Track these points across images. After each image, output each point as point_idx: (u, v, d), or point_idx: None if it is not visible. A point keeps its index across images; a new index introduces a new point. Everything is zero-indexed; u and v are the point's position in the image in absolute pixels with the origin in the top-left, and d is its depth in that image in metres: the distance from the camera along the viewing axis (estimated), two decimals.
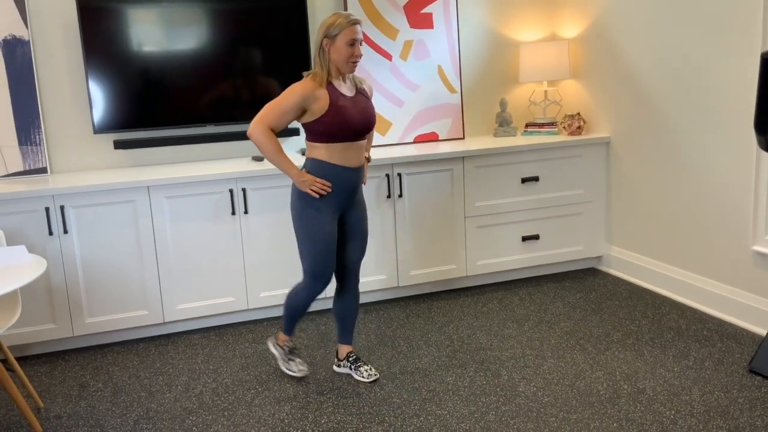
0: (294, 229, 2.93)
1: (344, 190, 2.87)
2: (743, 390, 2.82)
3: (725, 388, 2.85)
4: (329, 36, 2.73)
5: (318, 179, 2.80)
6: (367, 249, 3.92)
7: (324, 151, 2.80)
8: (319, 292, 2.96)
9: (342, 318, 3.12)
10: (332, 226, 2.88)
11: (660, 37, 3.81)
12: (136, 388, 3.14)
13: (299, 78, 4.07)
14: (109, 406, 2.98)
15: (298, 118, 2.79)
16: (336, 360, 3.20)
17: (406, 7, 4.33)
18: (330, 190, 2.82)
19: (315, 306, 4.01)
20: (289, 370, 3.15)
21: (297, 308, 3.03)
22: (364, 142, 2.89)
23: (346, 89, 2.83)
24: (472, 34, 4.58)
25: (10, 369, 2.97)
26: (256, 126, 2.73)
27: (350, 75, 2.88)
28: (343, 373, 3.17)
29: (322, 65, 2.77)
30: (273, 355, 3.31)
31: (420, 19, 4.37)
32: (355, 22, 2.73)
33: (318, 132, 2.77)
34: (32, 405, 3.02)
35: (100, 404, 3.00)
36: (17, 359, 3.53)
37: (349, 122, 2.76)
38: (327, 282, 2.94)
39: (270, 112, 2.73)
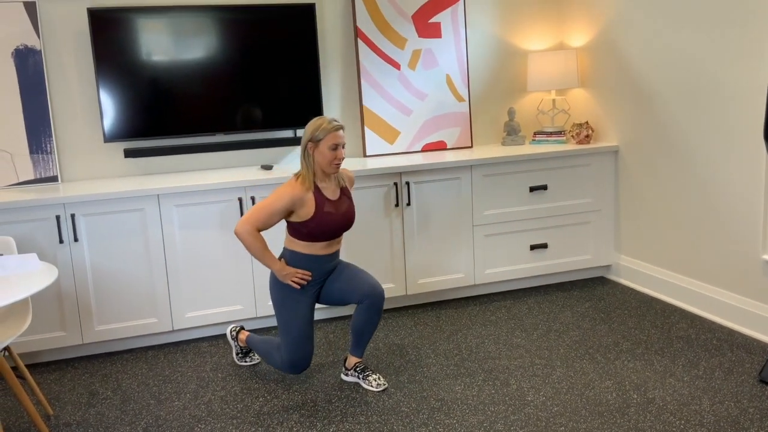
0: (274, 309, 3.09)
1: (322, 275, 3.09)
2: (753, 400, 2.81)
3: (735, 398, 2.84)
4: (314, 140, 2.90)
5: (299, 271, 3.00)
6: (375, 257, 3.93)
7: (304, 247, 3.00)
8: (289, 369, 3.08)
9: (359, 333, 3.10)
10: (309, 312, 3.06)
11: (668, 46, 3.81)
12: (145, 395, 3.15)
13: (306, 87, 4.10)
14: (118, 413, 2.99)
15: (284, 218, 2.97)
16: (343, 368, 3.20)
17: (414, 17, 4.35)
18: (310, 279, 3.03)
19: (322, 315, 4.01)
20: (243, 362, 3.41)
21: (265, 355, 3.19)
22: (342, 236, 3.15)
23: (331, 192, 3.00)
24: (480, 43, 4.59)
25: (20, 376, 2.98)
26: (243, 227, 2.89)
27: (334, 176, 3.04)
28: (351, 382, 3.17)
29: (308, 167, 2.94)
30: (235, 350, 3.44)
31: (428, 29, 4.39)
32: (338, 128, 2.90)
33: (301, 233, 2.96)
34: (42, 412, 3.03)
35: (109, 412, 3.01)
36: (27, 366, 3.54)
37: (331, 227, 2.97)
38: (300, 368, 3.08)
39: (258, 214, 2.89)
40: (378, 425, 2.77)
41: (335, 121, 2.91)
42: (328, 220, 2.95)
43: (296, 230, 2.97)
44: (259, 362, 3.44)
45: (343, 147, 2.93)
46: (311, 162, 2.94)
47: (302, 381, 3.20)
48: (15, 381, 2.65)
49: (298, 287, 3.00)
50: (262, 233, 3.65)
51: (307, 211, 2.92)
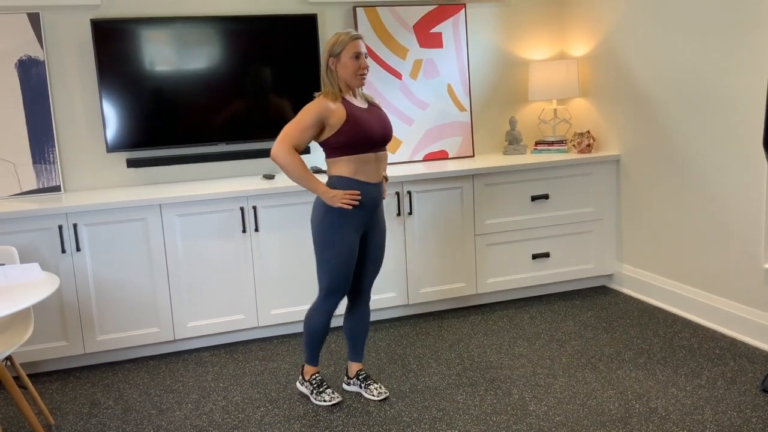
0: (315, 244, 2.89)
1: (368, 206, 2.87)
2: (756, 410, 2.79)
3: (738, 407, 2.82)
4: (334, 54, 2.79)
5: (347, 191, 2.79)
6: None
7: (346, 166, 2.81)
8: (333, 309, 2.96)
9: (353, 336, 3.12)
10: (355, 244, 2.88)
11: (669, 55, 3.82)
12: (146, 405, 3.14)
13: (310, 96, 4.11)
14: (120, 423, 2.98)
15: (317, 137, 2.81)
16: (345, 378, 3.20)
17: (415, 27, 4.37)
18: (360, 199, 2.82)
19: None
20: (323, 401, 3.04)
21: (316, 331, 3.00)
22: (383, 154, 2.90)
23: (359, 102, 2.86)
24: (482, 53, 4.61)
25: (21, 386, 2.98)
26: (280, 146, 2.73)
27: (360, 92, 2.92)
28: (353, 392, 3.17)
29: (331, 83, 2.82)
30: (303, 394, 3.15)
31: (429, 39, 4.41)
32: (357, 37, 2.79)
33: (339, 145, 2.78)
34: (43, 422, 3.03)
35: (110, 422, 3.00)
36: (29, 376, 3.54)
37: (368, 130, 2.78)
38: (340, 298, 2.94)
39: (290, 130, 2.74)
40: None
41: (353, 31, 2.81)
42: (362, 122, 2.78)
43: (333, 146, 2.79)
44: (341, 401, 3.06)
45: (366, 56, 2.81)
46: (335, 78, 2.81)
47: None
48: (16, 390, 2.65)
49: (350, 207, 2.78)
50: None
51: (338, 118, 2.75)
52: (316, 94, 2.85)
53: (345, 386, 3.19)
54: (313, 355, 3.09)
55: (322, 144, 2.84)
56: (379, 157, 2.88)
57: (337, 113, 2.76)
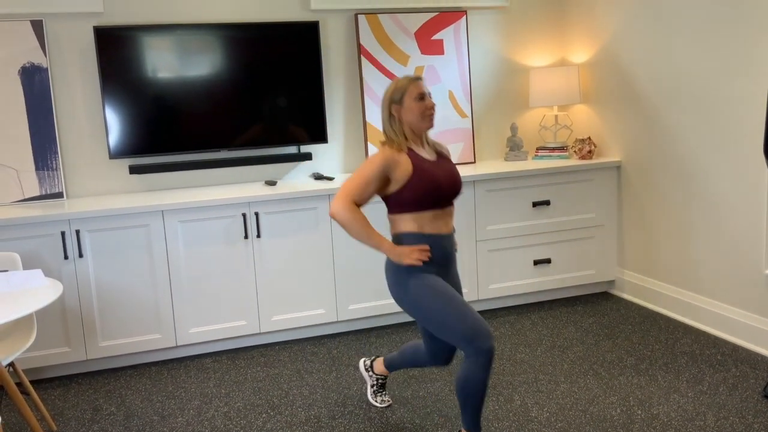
0: (414, 309, 2.53)
1: (439, 259, 2.58)
2: (758, 415, 2.79)
3: (740, 413, 2.82)
4: (395, 101, 2.57)
5: (416, 246, 2.51)
6: (378, 274, 3.93)
7: (412, 223, 2.53)
8: (488, 353, 2.41)
9: (464, 392, 2.51)
10: (445, 282, 2.56)
11: (670, 61, 3.83)
12: (148, 412, 3.15)
13: (310, 104, 4.12)
14: (122, 429, 2.99)
15: (381, 191, 2.57)
16: (368, 361, 3.12)
17: (417, 34, 4.39)
18: (430, 254, 2.53)
19: (324, 330, 4.01)
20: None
21: (477, 394, 2.45)
22: (452, 208, 2.63)
23: (427, 154, 2.61)
24: (483, 60, 4.62)
25: (24, 392, 2.98)
26: (340, 202, 2.47)
27: (429, 140, 2.68)
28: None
29: (396, 133, 2.58)
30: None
31: (431, 46, 4.42)
32: (417, 79, 2.59)
33: (405, 201, 2.52)
34: (46, 428, 3.03)
35: (112, 428, 3.01)
36: (32, 382, 3.55)
37: (436, 185, 2.52)
38: (488, 335, 2.42)
39: (352, 185, 2.49)
40: None
41: (410, 75, 2.60)
42: (430, 174, 2.52)
43: (398, 201, 2.53)
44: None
45: (430, 96, 2.59)
46: (399, 127, 2.57)
47: (305, 396, 3.20)
48: (19, 396, 2.65)
49: (420, 263, 2.49)
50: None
51: (404, 170, 2.50)
52: (381, 141, 2.63)
53: (361, 363, 3.13)
54: (473, 422, 2.52)
55: (385, 199, 2.58)
56: (448, 211, 2.60)
57: (403, 165, 2.51)
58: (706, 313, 3.75)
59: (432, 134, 4.47)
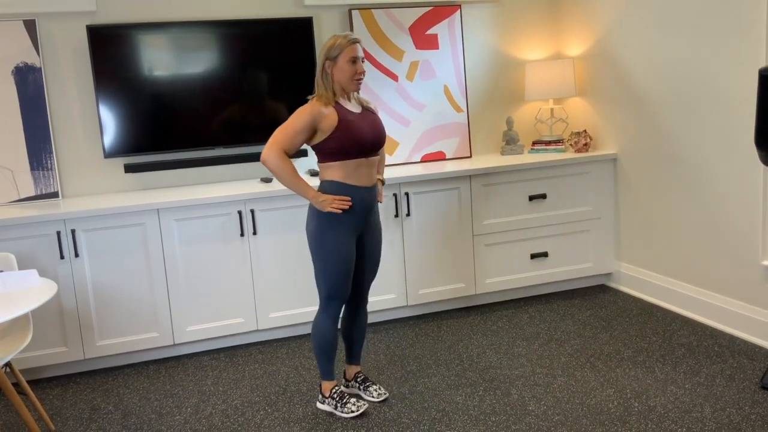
0: (311, 252, 2.87)
1: (361, 210, 2.85)
2: (755, 406, 2.80)
3: (737, 404, 2.83)
4: (331, 57, 2.76)
5: (337, 196, 2.77)
6: None
7: (337, 171, 2.79)
8: (338, 316, 2.92)
9: (350, 339, 3.12)
10: (351, 248, 2.85)
11: (665, 54, 3.82)
12: (146, 410, 3.15)
13: (305, 100, 4.11)
14: (120, 428, 2.99)
15: (308, 141, 2.79)
16: (344, 381, 3.20)
17: (411, 29, 4.38)
18: (350, 205, 2.79)
19: None
20: (350, 412, 2.94)
21: (326, 342, 2.93)
22: (376, 159, 2.88)
23: (352, 107, 2.84)
24: (478, 54, 4.61)
25: (21, 392, 2.98)
26: (270, 151, 2.71)
27: (355, 95, 2.90)
28: (352, 394, 3.17)
29: (326, 87, 2.79)
30: (326, 412, 3.00)
31: (425, 40, 4.41)
32: (355, 41, 2.77)
33: (330, 150, 2.76)
34: (44, 428, 3.03)
35: (110, 427, 3.01)
36: (29, 382, 3.55)
37: (359, 136, 2.76)
38: (342, 304, 2.91)
39: (281, 134, 2.72)
40: None
41: (351, 34, 2.78)
42: (354, 127, 2.75)
43: (324, 150, 2.77)
44: (367, 407, 2.98)
45: (363, 61, 2.79)
46: (330, 81, 2.78)
47: (303, 393, 3.20)
48: (16, 397, 2.65)
49: (339, 211, 2.76)
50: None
51: (330, 123, 2.73)
52: (310, 97, 2.83)
53: (343, 389, 3.19)
54: (327, 370, 2.99)
55: (313, 148, 2.81)
56: (372, 161, 2.85)
57: (329, 118, 2.73)
58: (703, 304, 3.75)
59: (428, 129, 4.46)
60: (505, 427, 2.78)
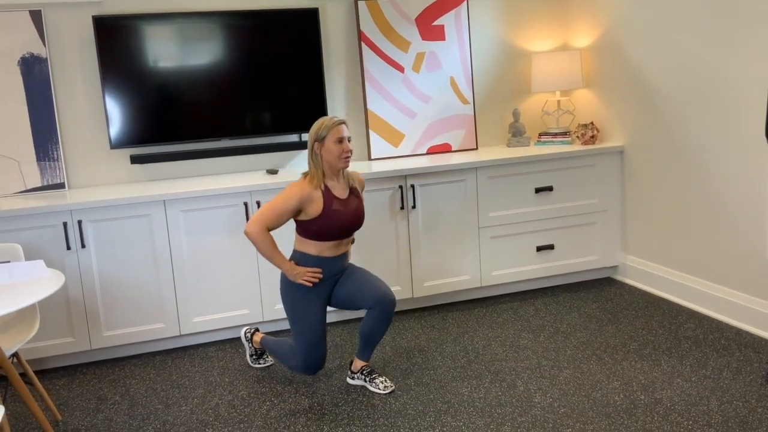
0: (285, 310, 3.10)
1: (332, 276, 3.09)
2: (762, 399, 2.79)
3: (744, 397, 2.82)
4: (319, 139, 2.94)
5: (309, 269, 3.01)
6: (381, 260, 3.93)
7: (314, 247, 3.01)
8: (303, 371, 3.10)
9: (368, 338, 3.10)
10: (322, 313, 3.06)
11: (673, 45, 3.80)
12: (152, 400, 3.16)
13: (311, 91, 4.11)
14: (126, 418, 3.00)
15: (293, 217, 2.98)
16: (349, 372, 3.20)
17: (417, 20, 4.36)
18: (321, 277, 3.03)
19: (328, 318, 4.01)
20: (256, 363, 3.44)
21: (280, 357, 3.19)
22: (352, 235, 3.12)
23: (340, 190, 3.01)
24: (484, 45, 4.59)
25: (28, 382, 3.00)
26: (255, 225, 2.90)
27: (344, 172, 3.05)
28: (358, 385, 3.17)
29: (316, 167, 2.96)
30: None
31: (432, 31, 4.39)
32: (340, 122, 2.94)
33: (311, 231, 2.97)
34: (51, 418, 3.05)
35: (117, 417, 3.02)
36: (36, 373, 3.56)
37: (340, 226, 2.98)
38: (315, 358, 3.07)
39: (268, 212, 2.91)
40: (384, 428, 2.77)
41: (336, 117, 2.96)
42: (336, 217, 2.96)
43: (305, 229, 2.98)
44: (272, 365, 3.44)
45: (349, 140, 2.96)
46: (319, 162, 2.96)
47: (309, 384, 3.21)
48: (23, 387, 2.66)
49: (310, 284, 2.99)
50: (272, 234, 3.64)
51: (315, 208, 2.93)
52: (303, 172, 3.01)
53: (349, 380, 3.20)
54: (269, 346, 3.26)
55: (295, 221, 3.01)
56: (347, 240, 3.08)
57: (315, 204, 2.93)
58: (709, 297, 3.74)
59: (433, 120, 4.45)
60: (510, 419, 2.78)
